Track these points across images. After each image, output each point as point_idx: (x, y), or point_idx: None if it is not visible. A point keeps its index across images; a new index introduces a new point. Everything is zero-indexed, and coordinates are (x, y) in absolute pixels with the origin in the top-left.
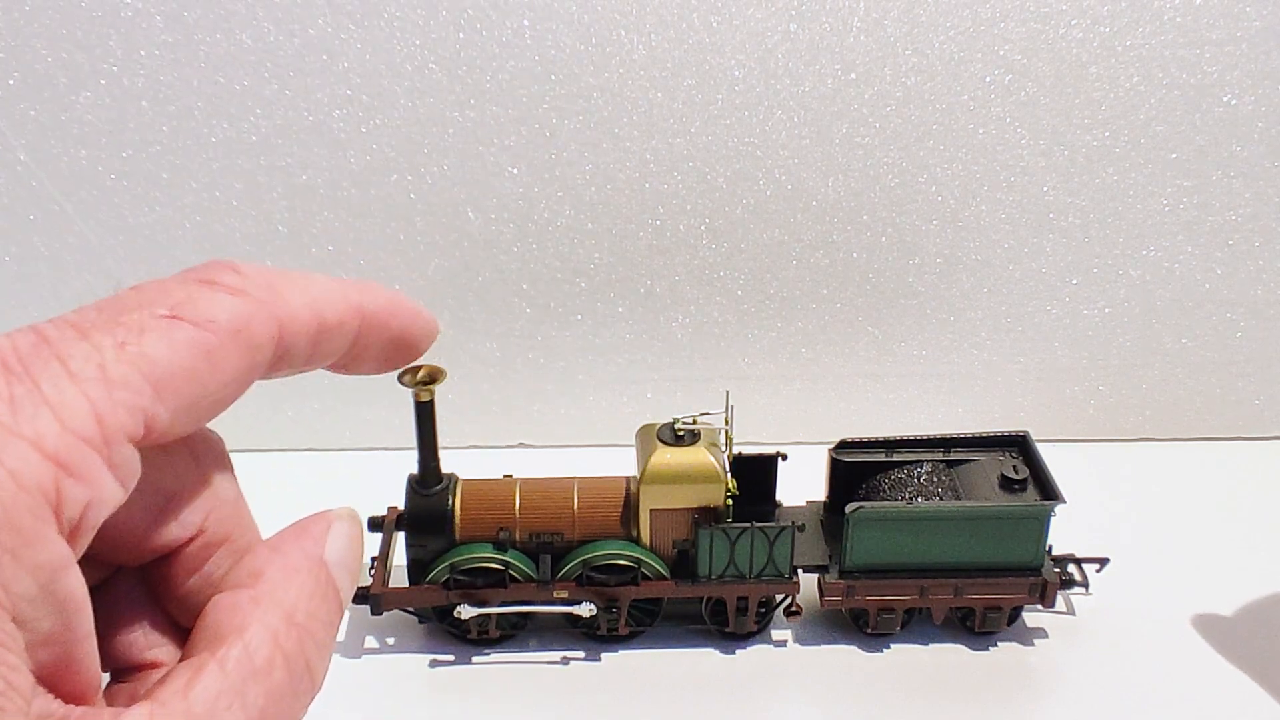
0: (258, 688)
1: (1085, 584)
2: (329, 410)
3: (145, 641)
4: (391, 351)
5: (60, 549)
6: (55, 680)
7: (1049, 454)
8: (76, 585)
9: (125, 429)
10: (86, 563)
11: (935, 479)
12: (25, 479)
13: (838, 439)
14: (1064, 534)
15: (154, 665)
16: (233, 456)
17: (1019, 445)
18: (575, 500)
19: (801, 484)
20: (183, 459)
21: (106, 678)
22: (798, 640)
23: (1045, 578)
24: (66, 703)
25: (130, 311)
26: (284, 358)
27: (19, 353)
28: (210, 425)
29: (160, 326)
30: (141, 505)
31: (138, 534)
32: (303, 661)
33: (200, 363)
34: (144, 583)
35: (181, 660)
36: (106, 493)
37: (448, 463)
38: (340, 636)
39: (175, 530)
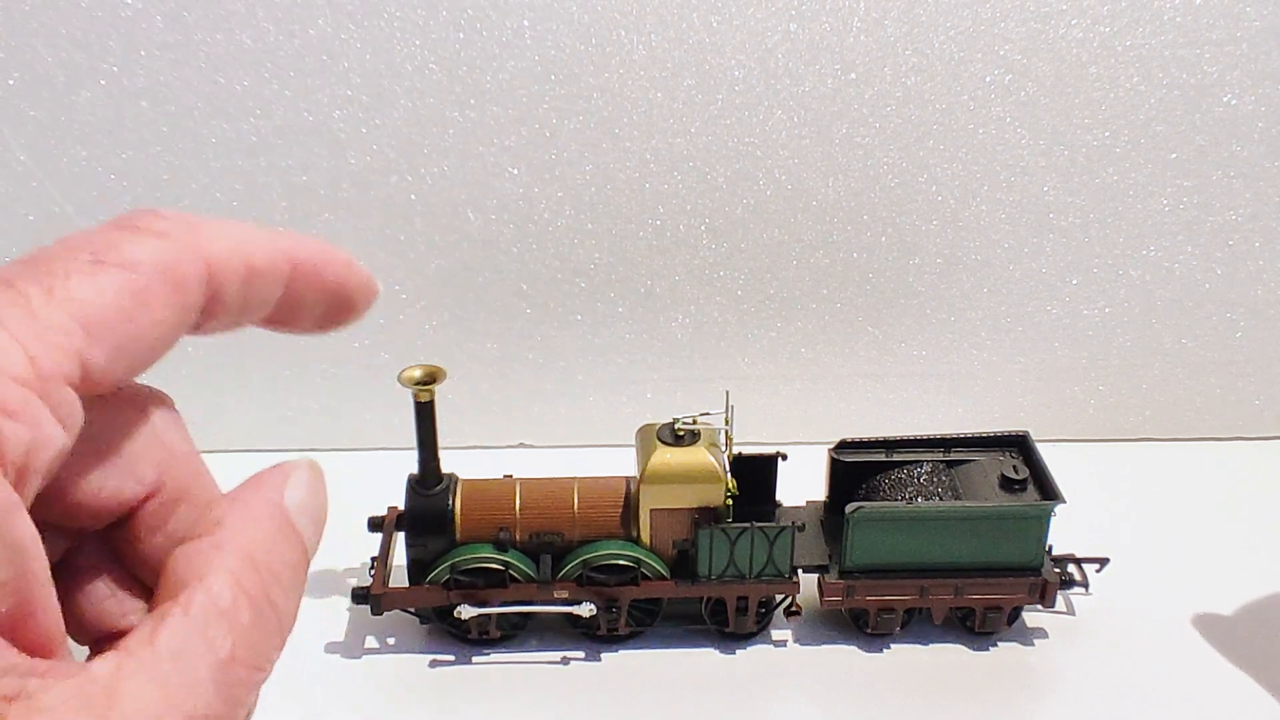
0: (224, 628)
1: (1085, 584)
2: (329, 410)
3: (118, 609)
4: (328, 306)
5: (5, 493)
6: (15, 633)
7: (1049, 454)
8: (26, 529)
9: (60, 370)
10: (48, 531)
11: (935, 479)
12: None
13: (838, 439)
14: (1064, 534)
15: (128, 631)
16: (232, 457)
17: (1019, 445)
18: (575, 500)
19: (801, 484)
20: (130, 414)
21: (86, 652)
22: (798, 640)
23: (1045, 578)
24: (30, 656)
25: (54, 261)
26: (215, 302)
27: None
28: (206, 421)
29: (86, 270)
30: (93, 462)
31: (92, 492)
32: (267, 601)
33: (129, 303)
34: (109, 549)
35: (149, 613)
36: (48, 432)
37: (448, 463)
38: (341, 636)
39: (131, 486)
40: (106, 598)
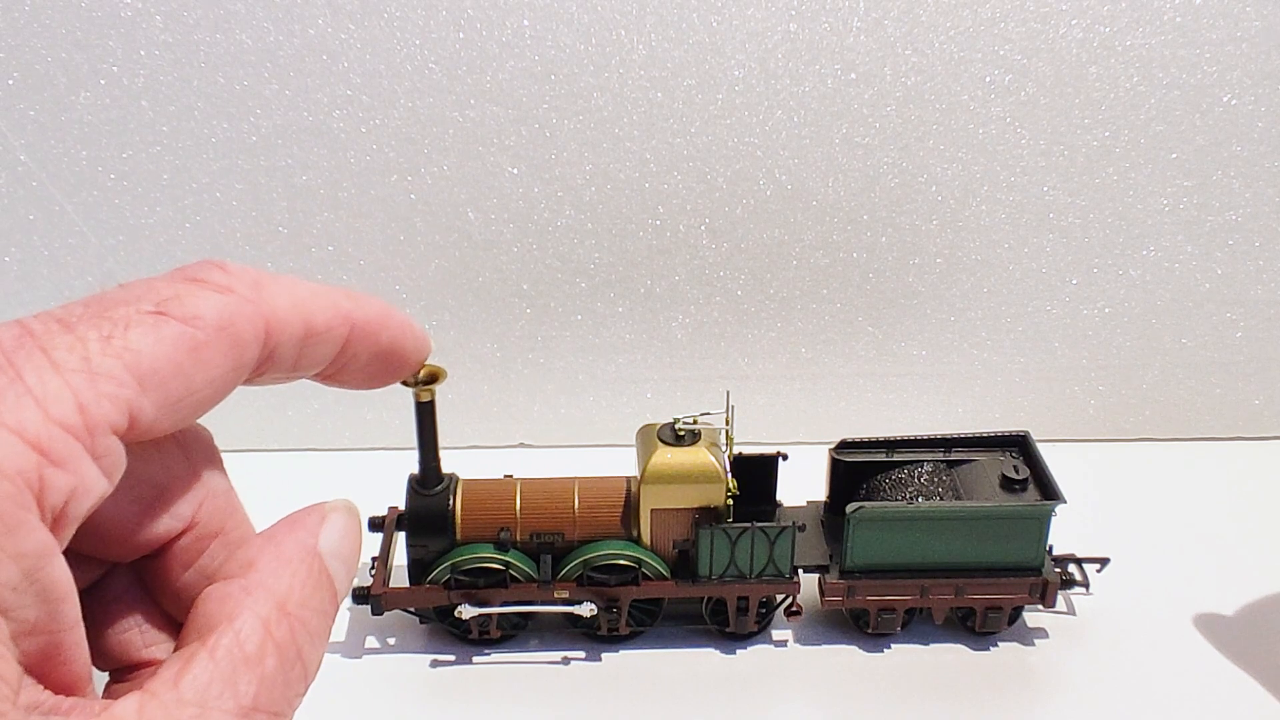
0: (249, 676)
1: (1086, 584)
2: (329, 410)
3: (142, 640)
4: (380, 365)
5: (43, 537)
6: (43, 670)
7: (1049, 454)
8: (61, 574)
9: (109, 419)
10: (80, 561)
11: (936, 479)
12: (7, 466)
13: (838, 439)
14: (1064, 534)
15: (152, 664)
16: (232, 457)
17: (1019, 445)
18: (576, 500)
19: (801, 484)
20: (171, 451)
21: (106, 678)
22: (798, 640)
23: (1046, 578)
24: (56, 693)
25: (116, 307)
26: (270, 359)
27: (2, 345)
28: (206, 421)
29: (146, 321)
30: (131, 498)
31: (129, 528)
32: (295, 650)
33: (186, 358)
34: (139, 580)
35: (175, 651)
36: (90, 482)
37: (448, 463)
38: (341, 636)
39: (166, 523)
40: (132, 628)
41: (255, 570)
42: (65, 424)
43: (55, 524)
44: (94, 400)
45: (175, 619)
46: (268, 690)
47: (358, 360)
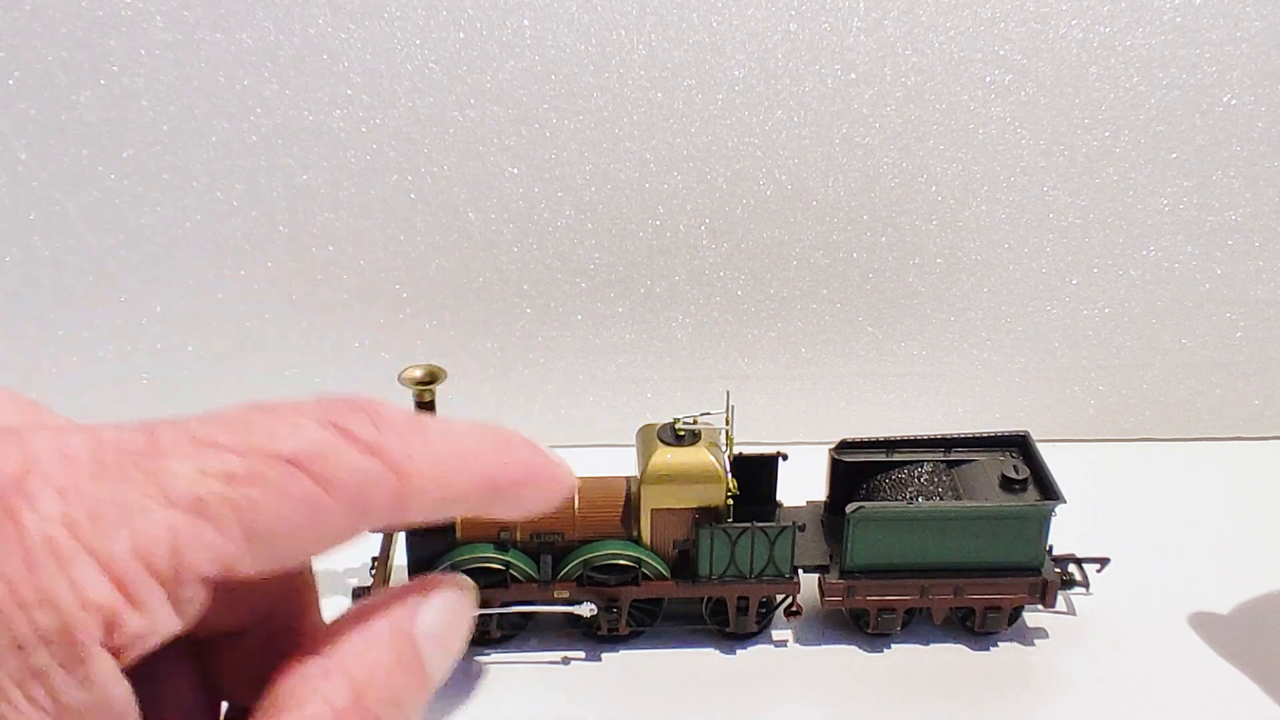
0: None
1: (1086, 584)
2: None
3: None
4: (515, 511)
5: (107, 663)
6: None
7: (1049, 454)
8: (121, 693)
9: (200, 570)
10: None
11: (936, 479)
12: (88, 596)
13: (838, 439)
14: (1064, 534)
15: None
16: None
17: (1019, 445)
18: (576, 500)
19: (801, 484)
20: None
21: None
22: (798, 640)
23: (1046, 578)
24: None
25: (255, 437)
26: (397, 516)
27: (122, 450)
28: None
29: (277, 473)
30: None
31: (200, 621)
32: None
33: (304, 520)
34: (198, 661)
35: None
36: (161, 625)
37: None
38: None
39: (240, 615)
40: (188, 708)
41: (338, 650)
42: (154, 568)
43: (117, 651)
44: (192, 547)
45: (228, 700)
46: None
47: (492, 511)
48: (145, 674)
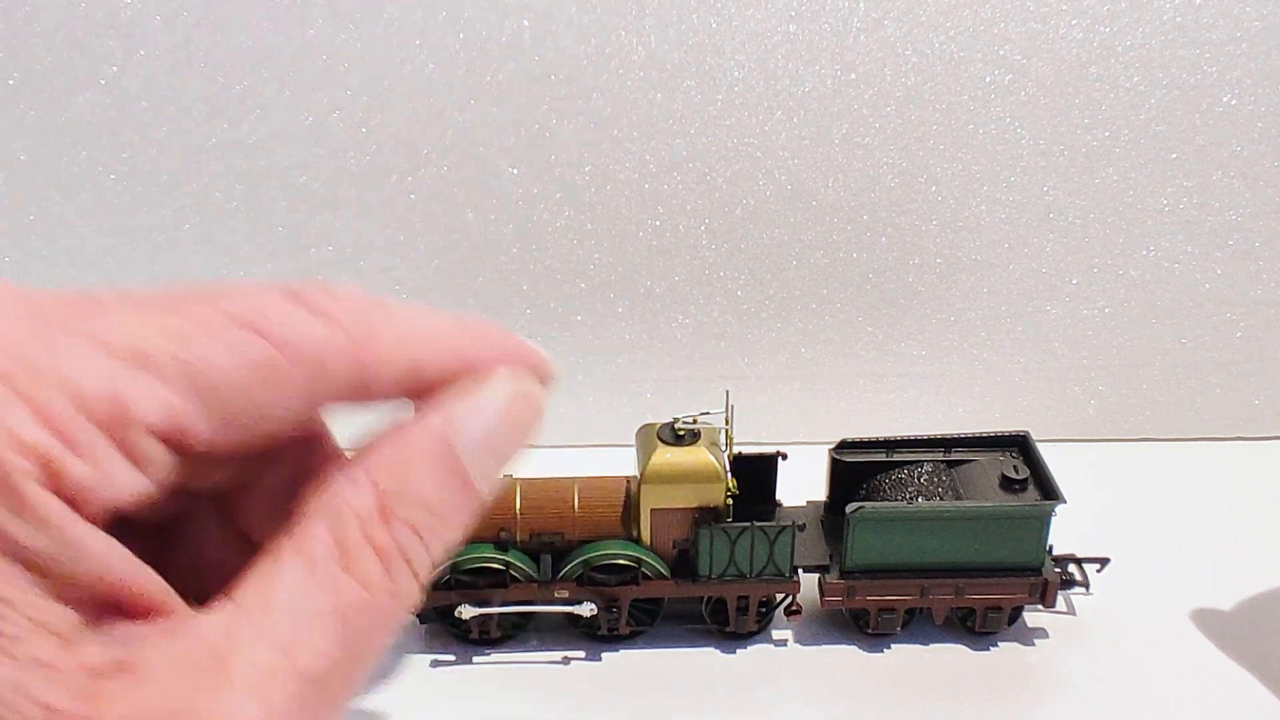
0: (345, 584)
1: (1086, 584)
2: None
3: (235, 563)
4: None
5: (54, 506)
6: (117, 605)
7: (1049, 454)
8: (97, 543)
9: (146, 420)
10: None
11: (936, 479)
12: (22, 439)
13: (838, 439)
14: (1064, 534)
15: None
16: None
17: (1019, 445)
18: (576, 500)
19: (801, 484)
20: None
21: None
22: (798, 640)
23: (1046, 578)
24: (148, 620)
25: (202, 305)
26: (367, 392)
27: (61, 305)
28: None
29: (226, 330)
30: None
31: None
32: (399, 556)
33: (257, 379)
34: (224, 511)
35: (266, 553)
36: (120, 479)
37: None
38: None
39: (258, 467)
40: (220, 553)
41: (365, 460)
42: (93, 415)
43: (73, 502)
44: (134, 398)
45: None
46: (364, 611)
47: None
48: (183, 540)
